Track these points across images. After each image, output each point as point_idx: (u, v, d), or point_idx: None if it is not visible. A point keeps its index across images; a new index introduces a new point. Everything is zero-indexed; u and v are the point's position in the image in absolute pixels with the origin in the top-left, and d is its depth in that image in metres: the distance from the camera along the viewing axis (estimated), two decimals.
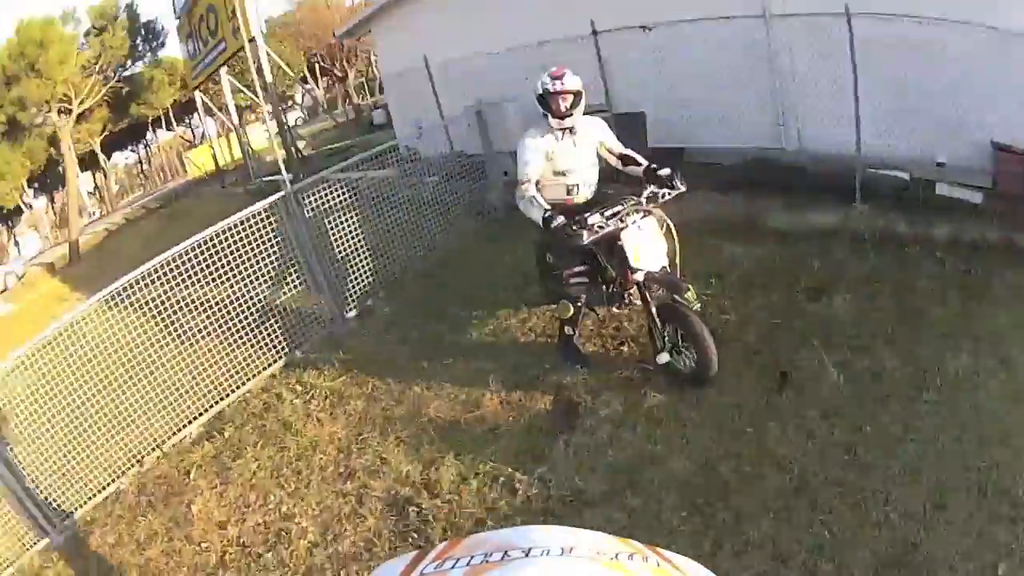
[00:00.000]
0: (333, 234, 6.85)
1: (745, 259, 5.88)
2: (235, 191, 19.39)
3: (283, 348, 6.36)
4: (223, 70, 19.41)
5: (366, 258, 7.11)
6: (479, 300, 6.34)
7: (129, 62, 33.94)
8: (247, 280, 6.20)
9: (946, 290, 4.79)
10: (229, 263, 6.04)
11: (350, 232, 6.95)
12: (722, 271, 5.75)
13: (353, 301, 6.98)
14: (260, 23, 16.14)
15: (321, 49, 30.34)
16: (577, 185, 4.66)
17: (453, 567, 0.68)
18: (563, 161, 4.56)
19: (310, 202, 6.64)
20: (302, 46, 32.38)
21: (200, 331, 6.07)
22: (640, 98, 7.98)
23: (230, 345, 6.09)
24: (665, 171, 4.28)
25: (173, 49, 31.66)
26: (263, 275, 6.28)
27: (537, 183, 4.51)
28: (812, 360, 4.36)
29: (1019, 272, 4.81)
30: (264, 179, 17.91)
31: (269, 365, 6.24)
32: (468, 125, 8.04)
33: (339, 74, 31.13)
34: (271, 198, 6.38)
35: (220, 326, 6.07)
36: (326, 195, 6.72)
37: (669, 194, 4.27)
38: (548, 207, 4.28)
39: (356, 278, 7.01)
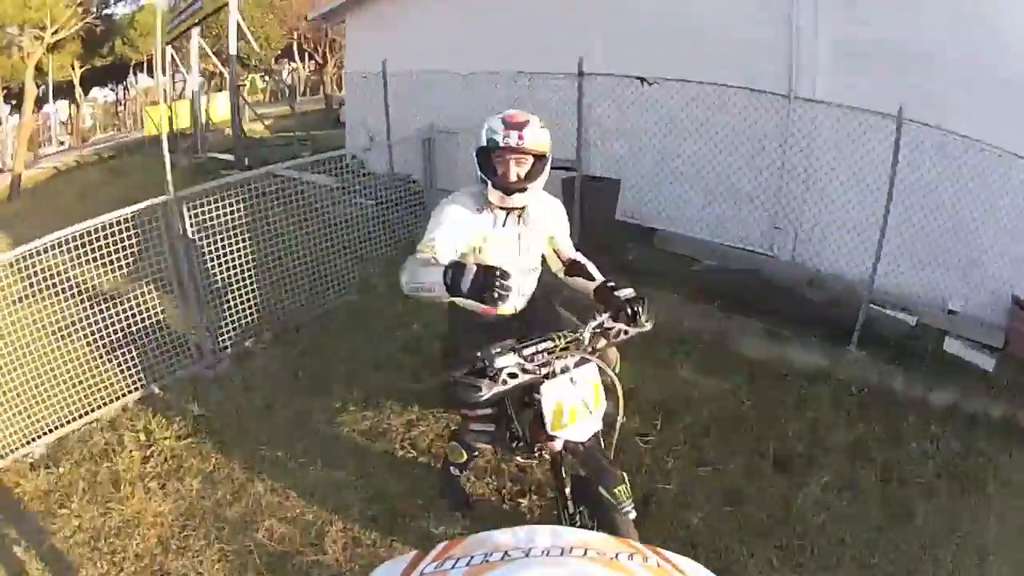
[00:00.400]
0: (223, 254, 5.55)
1: (706, 397, 4.73)
2: (182, 161, 17.97)
3: (141, 378, 5.25)
4: (195, 30, 18.08)
5: (259, 288, 5.83)
6: (367, 379, 5.06)
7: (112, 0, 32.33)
8: (115, 289, 5.28)
9: (937, 478, 4.09)
10: (99, 266, 5.06)
11: (246, 254, 5.65)
12: (674, 407, 4.55)
13: (231, 338, 5.70)
14: None
15: (306, 30, 28.91)
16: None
17: (453, 567, 0.66)
18: (497, 254, 2.90)
19: (199, 213, 5.34)
20: (288, 23, 30.86)
21: (63, 335, 5.20)
22: (618, 160, 6.70)
23: (90, 360, 5.15)
24: (626, 292, 2.81)
25: None
26: (134, 287, 5.27)
27: None
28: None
29: (1017, 460, 4.31)
30: (211, 155, 16.73)
31: (125, 394, 5.19)
32: (415, 151, 6.65)
33: (319, 61, 29.69)
34: (148, 202, 5.17)
35: (83, 336, 5.13)
36: (221, 206, 5.42)
37: (627, 333, 2.77)
38: (448, 262, 2.49)
39: (241, 311, 5.71)
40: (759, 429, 4.37)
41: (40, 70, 27.59)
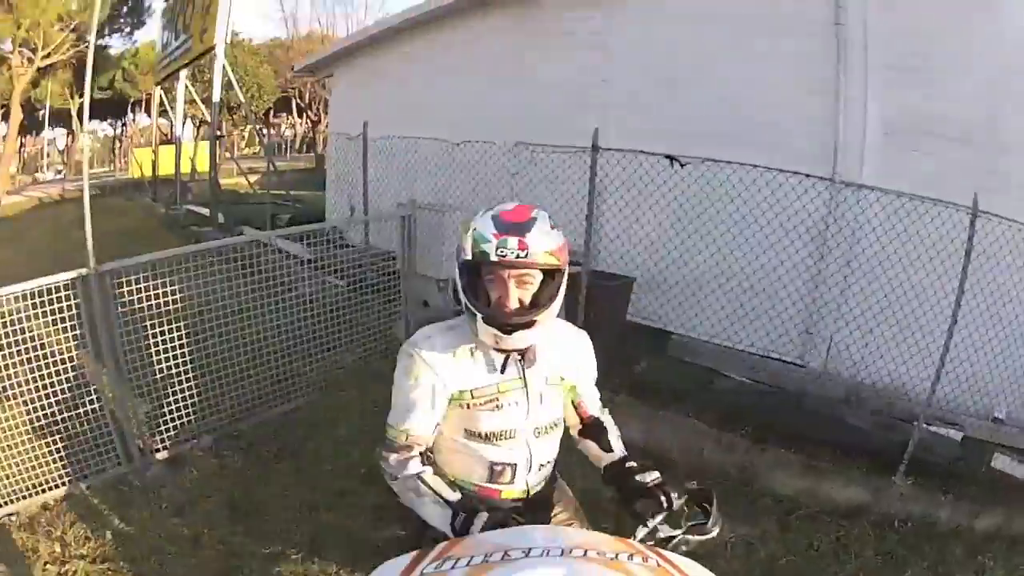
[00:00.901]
0: (159, 339, 4.66)
1: (727, 548, 3.82)
2: (159, 210, 17.49)
3: (67, 472, 4.40)
4: (183, 73, 17.73)
5: (202, 382, 4.90)
6: (316, 519, 4.07)
7: (107, 31, 31.84)
8: (38, 368, 4.33)
9: None
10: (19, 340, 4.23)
11: (190, 340, 4.76)
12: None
13: (168, 439, 4.75)
14: (227, 31, 14.13)
15: (301, 84, 28.44)
16: (513, 467, 2.05)
17: (453, 567, 0.66)
18: (495, 418, 1.97)
19: (128, 292, 4.44)
20: (283, 75, 30.45)
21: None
22: (632, 253, 5.78)
23: (10, 444, 4.33)
24: (651, 477, 1.91)
25: (151, 32, 29.63)
26: (58, 367, 4.33)
27: (428, 451, 2.04)
28: None
29: None
30: (189, 207, 15.91)
31: (50, 488, 4.37)
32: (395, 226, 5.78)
33: (313, 117, 29.15)
34: (62, 276, 4.22)
35: (14, 414, 4.35)
36: (156, 284, 4.56)
37: (688, 544, 1.75)
38: (455, 500, 1.86)
39: (180, 408, 4.77)
40: None
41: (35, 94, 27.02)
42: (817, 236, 5.34)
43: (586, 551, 0.68)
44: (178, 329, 4.66)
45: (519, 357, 1.91)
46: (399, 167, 7.60)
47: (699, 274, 5.54)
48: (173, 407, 4.73)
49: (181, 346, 4.69)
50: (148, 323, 4.56)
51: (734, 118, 5.59)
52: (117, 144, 43.89)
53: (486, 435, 1.96)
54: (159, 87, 20.53)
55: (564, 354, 2.06)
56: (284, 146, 35.11)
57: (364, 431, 4.79)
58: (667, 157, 5.16)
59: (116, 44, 33.99)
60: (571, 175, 5.62)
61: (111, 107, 39.17)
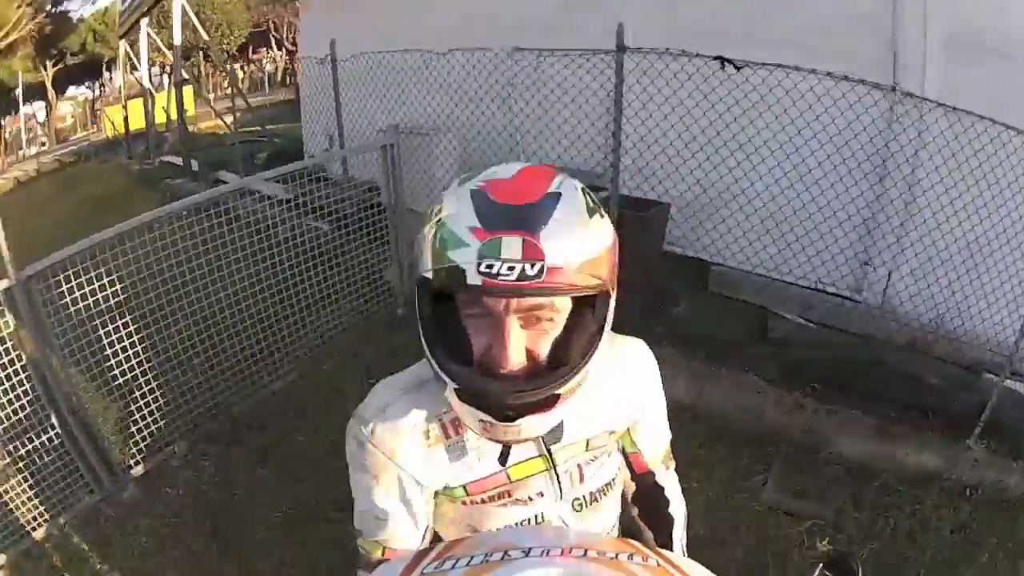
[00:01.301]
0: (116, 336, 3.78)
1: (804, 536, 3.36)
2: (133, 166, 16.35)
3: (44, 511, 3.64)
4: (143, 22, 16.67)
5: (173, 376, 4.10)
6: (304, 531, 3.44)
7: None
8: None
9: None
10: None
11: (149, 329, 3.91)
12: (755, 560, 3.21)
13: (140, 451, 3.96)
14: None
15: (274, 16, 26.96)
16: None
17: (453, 567, 0.56)
18: (504, 515, 1.20)
19: (70, 288, 3.52)
20: (254, 8, 28.83)
21: None
22: (666, 175, 4.78)
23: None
24: None
25: None
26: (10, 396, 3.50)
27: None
28: None
29: None
30: (163, 159, 14.69)
31: (32, 529, 3.65)
32: (374, 157, 4.88)
33: (290, 47, 27.74)
34: None
35: None
36: (96, 274, 3.60)
37: None
38: None
39: (151, 410, 3.96)
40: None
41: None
42: (875, 154, 4.53)
43: (586, 551, 0.56)
44: (135, 320, 3.83)
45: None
46: (378, 89, 6.61)
47: (742, 197, 4.70)
48: (143, 411, 3.95)
49: (141, 339, 3.85)
50: (100, 320, 3.70)
51: (777, 16, 4.70)
52: (98, 106, 44.36)
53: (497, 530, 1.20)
54: (123, 40, 19.42)
55: (617, 395, 1.22)
56: (266, 81, 33.96)
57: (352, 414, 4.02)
58: (717, 59, 4.10)
59: (75, 7, 33.62)
60: (589, 84, 4.70)
61: (87, 70, 38.01)
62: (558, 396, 0.93)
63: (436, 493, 1.16)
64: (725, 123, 4.58)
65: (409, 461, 1.10)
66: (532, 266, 0.84)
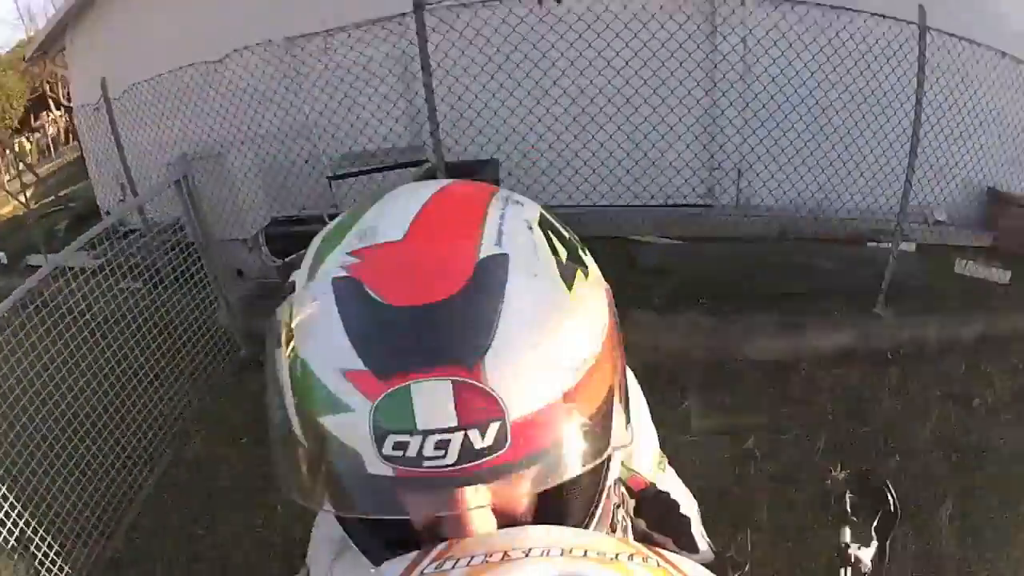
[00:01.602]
0: None
1: (756, 460, 3.28)
2: None
3: None
4: None
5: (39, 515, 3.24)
6: None
7: None
8: None
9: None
10: None
11: None
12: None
13: None
14: None
15: (49, 77, 24.89)
16: None
17: (453, 567, 0.50)
18: None
19: None
20: (30, 76, 26.52)
21: None
22: (494, 130, 4.39)
23: None
24: None
25: None
26: None
27: None
28: None
29: None
30: None
31: None
32: (172, 193, 4.25)
33: (68, 104, 25.75)
34: None
35: None
36: None
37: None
38: None
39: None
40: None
41: None
42: (704, 60, 4.55)
43: (586, 551, 0.51)
44: None
45: None
46: (160, 119, 5.89)
47: (575, 133, 4.42)
48: (48, 559, 3.17)
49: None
50: None
51: None
52: None
53: None
54: None
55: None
56: (50, 146, 31.71)
57: (238, 488, 3.54)
58: None
59: None
60: (389, 53, 4.33)
61: None
62: None
63: None
64: (551, 61, 4.32)
65: None
66: (483, 431, 0.47)
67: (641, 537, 1.31)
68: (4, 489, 2.98)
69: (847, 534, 1.25)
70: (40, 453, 3.32)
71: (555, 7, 3.81)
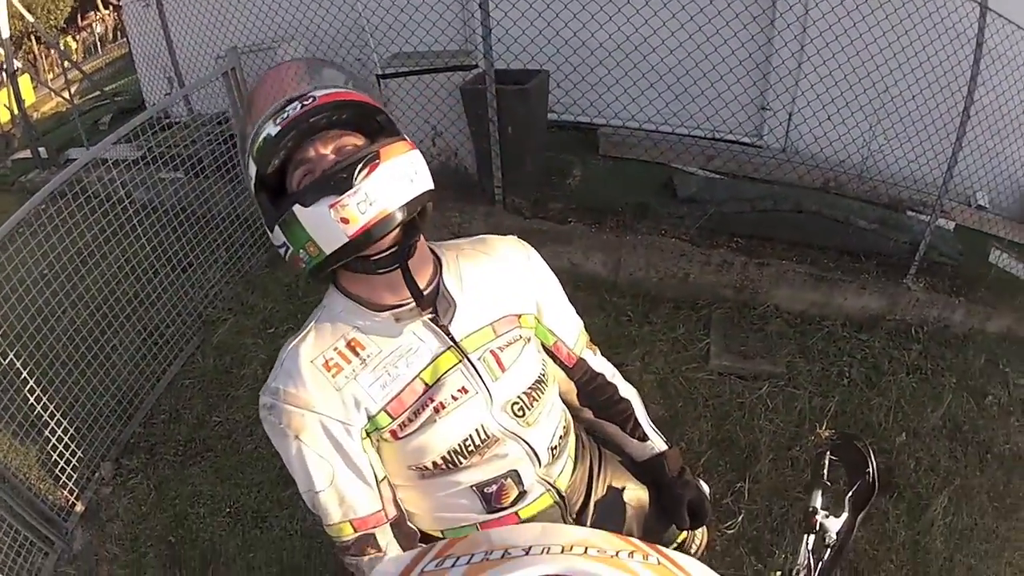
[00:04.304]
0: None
1: (767, 403, 3.25)
2: None
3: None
4: None
5: (68, 393, 3.34)
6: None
7: None
8: None
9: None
10: None
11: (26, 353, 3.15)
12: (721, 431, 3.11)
13: (77, 484, 3.27)
14: None
15: None
16: (513, 475, 1.21)
17: (453, 565, 0.59)
18: (438, 437, 1.14)
19: None
20: None
21: None
22: (546, 41, 4.22)
23: None
24: (696, 493, 1.38)
25: None
26: None
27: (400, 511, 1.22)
28: None
29: None
30: (15, 157, 13.29)
31: None
32: (219, 86, 4.21)
33: (116, 2, 25.56)
34: None
35: None
36: None
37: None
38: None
39: (61, 439, 3.23)
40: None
41: None
42: None
43: (586, 548, 0.58)
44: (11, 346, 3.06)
45: (426, 312, 1.14)
46: (210, 12, 5.64)
47: (625, 52, 4.31)
48: (58, 446, 3.22)
49: (24, 364, 3.08)
50: None
51: None
52: None
53: (444, 462, 1.16)
54: None
55: (504, 283, 1.23)
56: (98, 44, 31.64)
57: (259, 378, 3.51)
58: None
59: None
60: None
61: None
62: (378, 158, 1.00)
63: (367, 433, 1.12)
64: None
65: (321, 403, 1.07)
66: (307, 102, 1.04)
67: (590, 427, 1.42)
68: (25, 373, 3.03)
69: (818, 498, 1.21)
70: (66, 337, 3.37)
71: None
